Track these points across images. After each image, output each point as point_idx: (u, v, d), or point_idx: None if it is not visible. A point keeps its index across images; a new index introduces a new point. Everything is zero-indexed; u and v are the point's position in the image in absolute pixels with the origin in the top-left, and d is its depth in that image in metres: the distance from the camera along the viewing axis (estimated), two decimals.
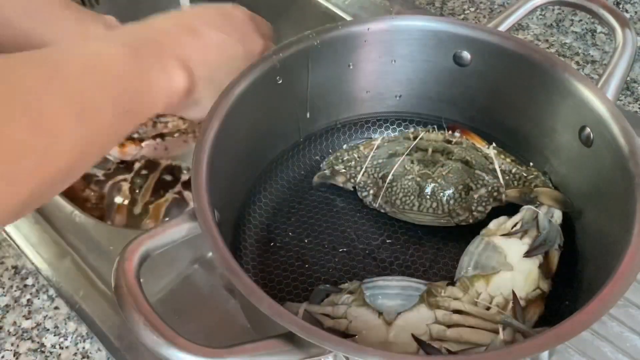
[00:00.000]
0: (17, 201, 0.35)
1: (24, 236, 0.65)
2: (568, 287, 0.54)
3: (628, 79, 0.80)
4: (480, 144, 0.64)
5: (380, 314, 0.50)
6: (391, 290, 0.52)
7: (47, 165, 0.36)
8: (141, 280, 0.42)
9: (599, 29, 0.87)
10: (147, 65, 0.46)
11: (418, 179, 0.60)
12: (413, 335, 0.48)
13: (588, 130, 0.54)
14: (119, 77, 0.43)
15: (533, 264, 0.54)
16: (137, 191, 0.74)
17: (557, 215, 0.57)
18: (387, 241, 0.61)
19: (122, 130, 0.45)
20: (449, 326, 0.49)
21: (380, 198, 0.61)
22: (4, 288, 0.62)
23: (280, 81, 0.60)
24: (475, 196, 0.59)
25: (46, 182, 0.37)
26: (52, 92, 0.37)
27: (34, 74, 0.37)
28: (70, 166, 0.39)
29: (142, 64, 0.46)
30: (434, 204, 0.59)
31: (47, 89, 0.37)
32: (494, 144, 0.64)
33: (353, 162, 0.64)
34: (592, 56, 0.87)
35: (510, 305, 0.50)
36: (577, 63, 0.86)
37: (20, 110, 0.34)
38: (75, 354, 0.57)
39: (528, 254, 0.54)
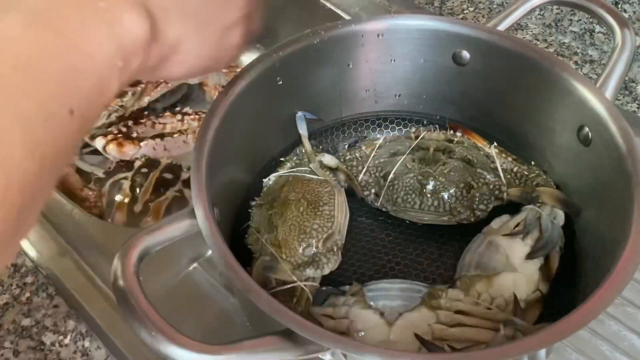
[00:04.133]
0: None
1: None
2: (566, 286, 0.54)
3: (626, 78, 0.80)
4: (482, 143, 0.65)
5: (382, 314, 0.50)
6: (393, 292, 0.52)
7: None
8: (140, 278, 0.42)
9: (598, 28, 0.87)
10: (65, 29, 0.31)
11: (419, 177, 0.60)
12: (415, 334, 0.48)
13: (586, 129, 0.55)
14: (30, 66, 0.29)
15: (534, 265, 0.54)
16: (138, 189, 0.74)
17: (560, 217, 0.57)
18: (389, 240, 0.61)
19: (83, 121, 0.31)
20: (451, 326, 0.49)
21: (381, 197, 0.61)
22: (3, 286, 0.62)
23: (281, 82, 0.60)
24: (477, 195, 0.59)
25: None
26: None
27: None
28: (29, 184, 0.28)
29: (58, 30, 0.30)
30: (436, 203, 0.60)
31: None
32: (495, 143, 0.64)
33: (355, 162, 0.64)
34: (591, 56, 0.87)
35: (511, 307, 0.51)
36: (576, 63, 0.86)
37: None
38: (74, 352, 0.57)
39: (530, 256, 0.54)
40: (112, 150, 0.76)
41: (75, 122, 0.30)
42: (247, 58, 0.69)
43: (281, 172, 0.63)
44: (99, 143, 0.78)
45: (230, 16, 0.43)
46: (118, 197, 0.74)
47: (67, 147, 0.31)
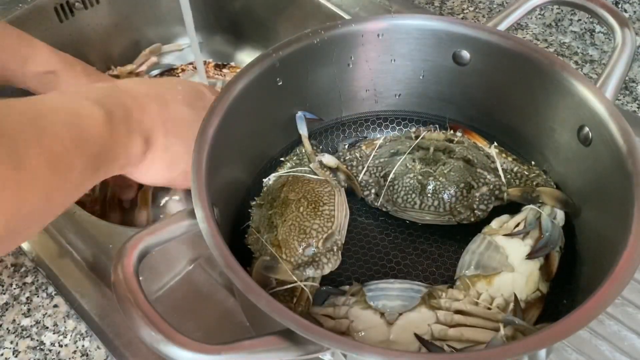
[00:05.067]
0: None
1: None
2: (566, 286, 0.54)
3: (627, 78, 0.80)
4: (482, 143, 0.65)
5: (381, 314, 0.50)
6: (393, 292, 0.52)
7: (21, 199, 0.39)
8: (141, 278, 0.42)
9: (598, 28, 0.87)
10: (117, 133, 0.49)
11: (419, 177, 0.60)
12: (415, 334, 0.48)
13: (587, 129, 0.55)
14: (94, 141, 0.46)
15: (534, 265, 0.54)
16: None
17: (560, 217, 0.57)
18: (389, 240, 0.61)
19: (85, 186, 0.47)
20: (450, 326, 0.49)
21: (381, 197, 0.61)
22: (3, 286, 0.62)
23: (280, 82, 0.60)
24: (477, 195, 0.59)
25: (18, 217, 0.39)
26: (31, 139, 0.40)
27: (16, 119, 0.40)
28: (37, 208, 0.41)
29: (113, 130, 0.48)
30: (436, 202, 0.60)
31: (27, 135, 0.40)
32: (495, 143, 0.64)
33: (355, 162, 0.64)
34: (591, 56, 0.87)
35: (511, 307, 0.51)
36: (576, 62, 0.86)
37: (3, 149, 0.38)
38: (74, 352, 0.57)
39: (530, 256, 0.54)
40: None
41: (90, 177, 0.47)
42: (248, 58, 0.69)
43: (281, 172, 0.63)
44: None
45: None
46: (108, 194, 0.75)
47: (81, 186, 0.47)
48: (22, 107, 0.41)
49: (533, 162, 0.63)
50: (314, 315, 0.51)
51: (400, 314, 0.50)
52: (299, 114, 0.64)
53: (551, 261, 0.55)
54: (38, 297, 0.61)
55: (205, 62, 0.96)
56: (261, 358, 0.40)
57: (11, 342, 0.58)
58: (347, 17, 0.89)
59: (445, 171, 0.60)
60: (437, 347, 0.47)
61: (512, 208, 0.59)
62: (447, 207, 0.60)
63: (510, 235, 0.56)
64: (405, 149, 0.63)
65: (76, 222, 0.66)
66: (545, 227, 0.56)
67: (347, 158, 0.65)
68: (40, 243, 0.64)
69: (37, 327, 0.59)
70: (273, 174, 0.63)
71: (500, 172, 0.61)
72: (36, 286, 0.62)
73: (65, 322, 0.59)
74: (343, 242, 0.57)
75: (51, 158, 0.41)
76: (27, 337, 0.58)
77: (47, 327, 0.59)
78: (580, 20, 0.88)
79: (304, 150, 0.64)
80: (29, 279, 0.63)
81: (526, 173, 0.61)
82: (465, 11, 0.96)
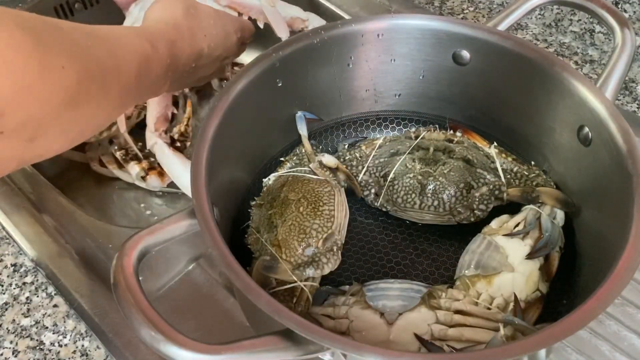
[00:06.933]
0: (68, 84, 0.43)
1: (23, 234, 0.65)
2: (565, 286, 0.54)
3: (626, 78, 0.80)
4: (482, 143, 0.65)
5: (381, 314, 0.50)
6: (392, 292, 0.52)
7: (96, 115, 0.48)
8: (140, 278, 0.42)
9: (598, 28, 0.87)
10: (162, 69, 0.56)
11: (419, 177, 0.60)
12: (415, 334, 0.48)
13: (586, 129, 0.55)
14: (149, 78, 0.54)
15: (534, 265, 0.54)
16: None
17: (560, 217, 0.57)
18: (389, 240, 0.61)
19: (129, 106, 0.57)
20: (450, 326, 0.49)
21: (381, 197, 0.61)
22: (3, 286, 0.62)
23: (280, 83, 0.60)
24: (477, 195, 0.59)
25: (90, 128, 0.49)
26: (111, 70, 0.48)
27: (99, 52, 0.48)
28: (100, 124, 0.52)
29: (152, 53, 0.55)
30: (435, 202, 0.60)
31: (108, 66, 0.48)
32: (495, 143, 0.64)
33: (355, 162, 0.64)
34: (591, 56, 0.87)
35: (511, 307, 0.51)
36: (576, 63, 0.86)
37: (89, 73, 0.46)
38: (74, 352, 0.57)
39: (530, 256, 0.54)
40: (154, 181, 0.77)
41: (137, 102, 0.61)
42: (248, 58, 0.69)
43: (281, 172, 0.63)
44: (132, 170, 0.77)
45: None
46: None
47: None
48: (101, 38, 0.49)
49: (533, 162, 0.63)
50: (313, 315, 0.51)
51: (400, 314, 0.50)
52: (299, 114, 0.64)
53: (551, 261, 0.55)
54: (38, 297, 0.61)
55: None
56: (261, 358, 0.40)
57: (11, 342, 0.58)
58: (347, 17, 0.89)
59: (445, 171, 0.60)
60: (437, 347, 0.47)
61: (512, 208, 0.59)
62: (447, 207, 0.60)
63: (510, 235, 0.56)
64: (405, 149, 0.63)
65: (76, 222, 0.66)
66: (545, 227, 0.56)
67: (346, 158, 0.65)
68: (40, 243, 0.64)
69: (37, 327, 0.59)
70: (273, 174, 0.63)
71: (500, 172, 0.61)
72: (36, 286, 0.62)
73: (64, 322, 0.59)
74: (343, 242, 0.57)
75: (123, 89, 0.50)
76: (27, 337, 0.58)
77: (47, 327, 0.59)
78: (580, 20, 0.88)
79: (303, 150, 0.64)
80: (28, 279, 0.63)
81: (526, 173, 0.61)
82: (465, 11, 0.96)
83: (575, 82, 0.55)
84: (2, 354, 0.57)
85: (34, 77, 0.40)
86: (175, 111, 0.77)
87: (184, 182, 0.70)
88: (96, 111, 0.48)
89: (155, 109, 0.73)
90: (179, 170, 0.70)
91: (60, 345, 0.58)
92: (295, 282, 0.52)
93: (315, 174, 0.61)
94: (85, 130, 0.49)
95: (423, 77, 0.66)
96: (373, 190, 0.62)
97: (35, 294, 0.61)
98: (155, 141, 0.72)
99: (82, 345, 0.58)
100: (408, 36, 0.63)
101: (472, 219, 0.59)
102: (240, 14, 0.79)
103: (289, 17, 0.81)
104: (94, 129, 0.51)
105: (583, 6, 0.64)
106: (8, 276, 0.63)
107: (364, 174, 0.63)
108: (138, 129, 0.80)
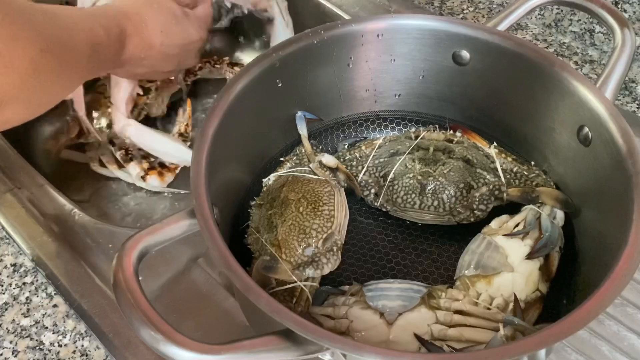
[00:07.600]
0: (32, 55, 0.48)
1: (23, 234, 0.65)
2: (565, 286, 0.54)
3: (626, 78, 0.80)
4: (482, 143, 0.65)
5: (381, 314, 0.50)
6: (392, 292, 0.52)
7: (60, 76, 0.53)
8: (140, 278, 0.42)
9: (598, 28, 0.87)
10: (113, 47, 0.61)
11: (419, 177, 0.60)
12: (415, 334, 0.48)
13: (586, 129, 0.55)
14: (101, 50, 0.59)
15: (534, 265, 0.54)
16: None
17: (560, 217, 0.57)
18: (388, 240, 0.61)
19: (85, 79, 0.62)
20: (450, 326, 0.49)
21: (381, 197, 0.61)
22: (2, 286, 0.62)
23: (280, 83, 0.60)
24: (477, 195, 0.59)
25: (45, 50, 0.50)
26: (72, 37, 0.54)
27: (60, 25, 0.54)
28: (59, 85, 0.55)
29: (111, 45, 0.60)
30: (435, 203, 0.60)
31: (67, 36, 0.53)
32: (495, 143, 0.64)
33: (354, 162, 0.64)
34: (591, 56, 0.87)
35: (511, 307, 0.51)
36: (576, 63, 0.86)
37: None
38: (74, 352, 0.57)
39: (530, 256, 0.54)
40: (154, 181, 0.76)
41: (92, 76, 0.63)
42: (247, 58, 0.69)
43: (281, 172, 0.63)
44: (133, 170, 0.77)
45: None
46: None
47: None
48: (61, 19, 0.54)
49: (533, 162, 0.63)
50: (313, 315, 0.51)
51: (400, 314, 0.50)
52: (299, 114, 0.64)
53: (551, 261, 0.55)
54: (37, 297, 0.61)
55: (216, 59, 0.96)
56: (261, 358, 0.40)
57: (10, 342, 0.58)
58: (347, 17, 0.89)
59: (445, 171, 0.60)
60: (437, 347, 0.47)
61: (512, 208, 0.59)
62: (447, 207, 0.60)
63: (510, 235, 0.56)
64: (405, 149, 0.63)
65: (76, 222, 0.66)
66: (544, 227, 0.56)
67: (346, 158, 0.65)
68: (40, 243, 0.64)
69: (37, 327, 0.59)
70: (273, 174, 0.63)
71: (500, 172, 0.61)
72: (36, 286, 0.62)
73: (64, 322, 0.59)
74: (343, 242, 0.57)
75: (77, 65, 0.55)
76: (27, 337, 0.58)
77: (47, 327, 0.59)
78: (580, 20, 0.88)
79: (303, 150, 0.64)
80: (28, 279, 0.63)
81: (526, 173, 0.61)
82: (465, 11, 0.96)
83: (575, 82, 0.55)
84: (2, 354, 0.57)
85: (2, 46, 0.46)
86: (140, 92, 0.78)
87: (175, 153, 0.71)
88: (55, 82, 0.53)
89: (124, 90, 0.74)
90: (163, 143, 0.70)
91: (60, 345, 0.58)
92: (295, 282, 0.52)
93: (315, 174, 0.61)
94: (44, 100, 0.54)
95: (423, 77, 0.66)
96: (373, 190, 0.62)
97: (35, 294, 0.61)
98: (127, 122, 0.72)
99: (82, 345, 0.58)
100: (408, 36, 0.63)
101: (472, 219, 0.59)
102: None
103: None
104: (51, 100, 0.56)
105: (583, 6, 0.64)
106: (8, 276, 0.63)
107: (364, 174, 0.63)
108: None
